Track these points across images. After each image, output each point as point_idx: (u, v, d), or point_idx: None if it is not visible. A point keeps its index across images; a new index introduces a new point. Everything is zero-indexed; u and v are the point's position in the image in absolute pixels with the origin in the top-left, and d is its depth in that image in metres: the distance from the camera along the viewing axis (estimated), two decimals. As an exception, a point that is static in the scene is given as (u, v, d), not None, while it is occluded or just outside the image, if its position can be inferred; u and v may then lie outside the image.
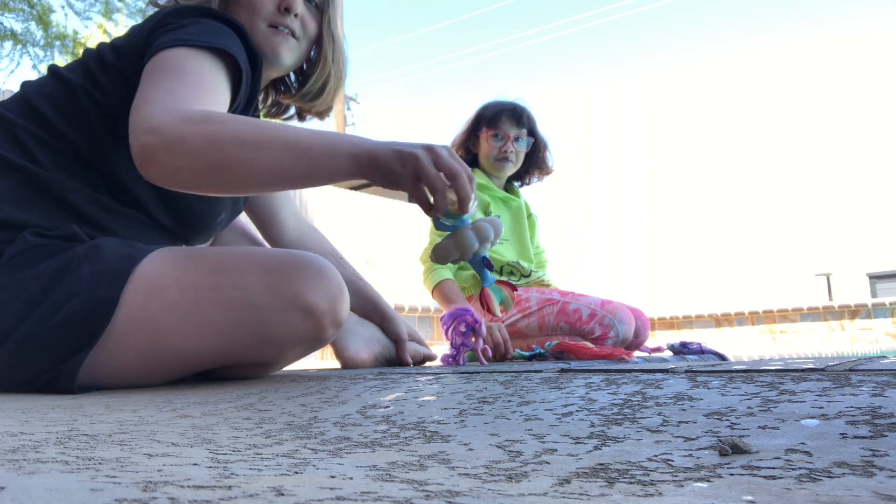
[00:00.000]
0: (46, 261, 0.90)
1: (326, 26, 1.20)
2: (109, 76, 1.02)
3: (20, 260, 0.90)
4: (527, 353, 1.51)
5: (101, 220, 1.00)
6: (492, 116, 1.99)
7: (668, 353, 1.70)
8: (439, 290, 1.79)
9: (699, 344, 1.65)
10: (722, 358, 1.64)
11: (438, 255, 0.90)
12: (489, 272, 0.91)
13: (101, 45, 1.07)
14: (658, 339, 5.99)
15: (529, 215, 2.11)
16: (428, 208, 0.89)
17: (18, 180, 0.97)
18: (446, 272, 1.81)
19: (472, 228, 0.88)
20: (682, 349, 1.66)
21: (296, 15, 1.15)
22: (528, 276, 1.96)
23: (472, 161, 2.06)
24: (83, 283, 0.87)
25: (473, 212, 0.89)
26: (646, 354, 1.72)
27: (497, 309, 0.91)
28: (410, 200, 0.91)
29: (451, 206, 0.86)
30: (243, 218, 1.41)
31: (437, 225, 0.90)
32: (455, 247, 0.87)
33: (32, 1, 6.32)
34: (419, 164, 0.86)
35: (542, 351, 1.46)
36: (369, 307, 1.36)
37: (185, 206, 1.08)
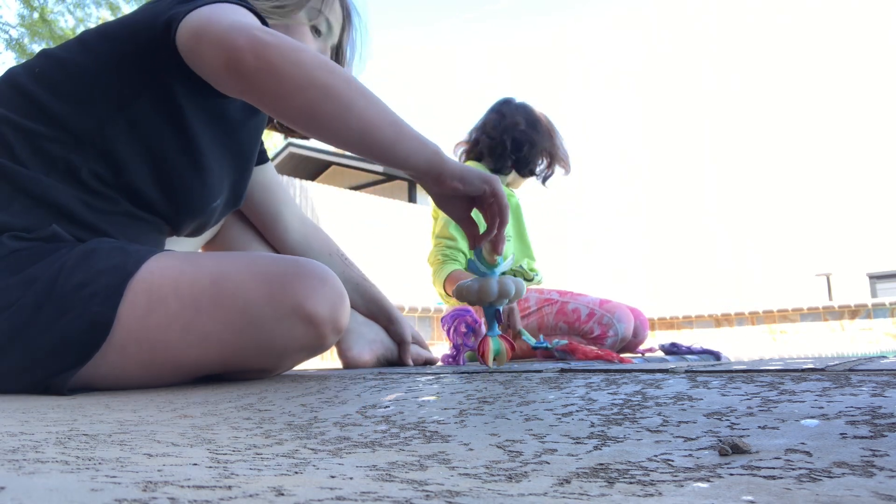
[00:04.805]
0: (30, 267, 0.86)
1: (332, 54, 1.20)
2: (110, 45, 0.98)
3: (1, 267, 0.86)
4: (533, 342, 1.51)
5: (84, 216, 0.94)
6: (558, 159, 2.06)
7: (660, 354, 1.70)
8: (452, 279, 1.79)
9: (688, 347, 1.65)
10: (717, 357, 1.64)
11: (460, 293, 0.98)
12: (497, 324, 0.97)
13: (103, 25, 1.04)
14: (658, 339, 5.99)
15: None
16: (475, 237, 0.96)
17: None
18: (454, 264, 1.81)
19: (499, 282, 0.94)
20: (672, 349, 1.66)
21: None
22: (531, 280, 1.97)
23: (479, 156, 2.06)
24: (76, 298, 0.84)
25: (506, 266, 0.98)
26: (639, 355, 1.72)
27: (491, 359, 0.94)
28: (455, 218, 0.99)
29: (486, 253, 0.96)
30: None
31: (470, 265, 0.99)
32: (477, 292, 0.95)
33: (32, 4, 6.30)
34: (497, 187, 0.92)
35: (549, 346, 1.46)
36: (375, 309, 1.35)
37: (179, 184, 1.02)
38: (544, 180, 2.10)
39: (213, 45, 0.87)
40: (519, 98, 2.12)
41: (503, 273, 0.99)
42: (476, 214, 0.99)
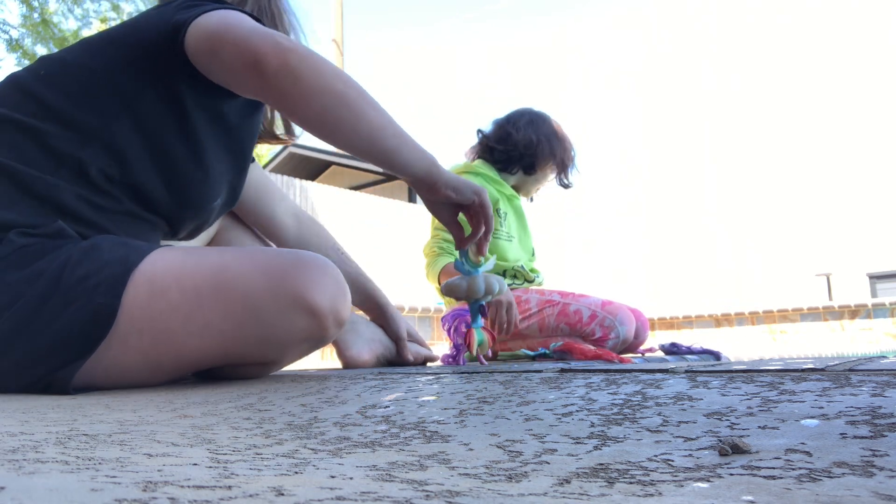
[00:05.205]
0: (36, 262, 0.87)
1: None
2: (116, 49, 1.00)
3: (8, 262, 0.87)
4: (532, 353, 1.52)
5: (87, 214, 0.95)
6: (563, 158, 2.05)
7: (660, 354, 1.71)
8: (446, 272, 1.79)
9: (688, 347, 1.67)
10: (717, 357, 1.64)
11: (449, 289, 1.09)
12: (480, 318, 1.11)
13: (108, 29, 1.06)
14: (658, 339, 5.98)
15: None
16: (461, 239, 1.06)
17: (1, 179, 0.93)
18: (450, 257, 1.81)
19: (484, 279, 1.07)
20: (672, 349, 1.68)
21: None
22: (532, 281, 1.97)
23: (485, 155, 2.05)
24: (80, 289, 0.85)
25: (488, 267, 1.10)
26: (639, 355, 1.73)
27: (475, 349, 1.07)
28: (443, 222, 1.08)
29: (472, 254, 1.06)
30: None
31: (457, 264, 1.10)
32: (466, 289, 1.07)
33: (32, 4, 6.32)
34: (485, 199, 1.03)
35: (548, 352, 1.47)
36: (370, 304, 1.36)
37: (182, 181, 1.04)
38: (563, 184, 2.10)
39: (235, 47, 0.91)
40: (539, 108, 2.12)
41: (485, 272, 1.10)
42: (461, 219, 1.07)
